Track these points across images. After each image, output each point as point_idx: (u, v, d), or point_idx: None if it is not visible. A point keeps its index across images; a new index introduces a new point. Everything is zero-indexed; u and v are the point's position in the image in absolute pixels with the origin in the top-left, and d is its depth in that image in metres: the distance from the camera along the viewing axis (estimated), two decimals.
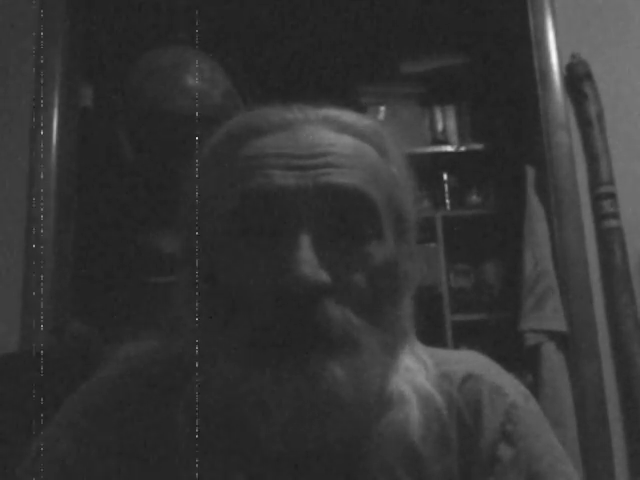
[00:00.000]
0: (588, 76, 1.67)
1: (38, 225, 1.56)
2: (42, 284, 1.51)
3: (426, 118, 2.52)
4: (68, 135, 1.67)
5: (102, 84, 1.93)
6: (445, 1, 2.27)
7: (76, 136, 1.72)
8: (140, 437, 0.55)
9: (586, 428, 1.53)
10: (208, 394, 0.51)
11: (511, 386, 0.60)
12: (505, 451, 0.56)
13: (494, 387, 0.59)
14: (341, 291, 0.49)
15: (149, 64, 1.10)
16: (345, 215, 0.51)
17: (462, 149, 2.42)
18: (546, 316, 1.63)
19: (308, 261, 0.48)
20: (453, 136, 2.49)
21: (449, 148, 2.44)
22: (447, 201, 2.50)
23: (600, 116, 1.66)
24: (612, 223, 1.59)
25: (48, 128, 1.61)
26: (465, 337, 2.32)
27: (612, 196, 1.61)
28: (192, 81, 1.10)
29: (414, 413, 0.54)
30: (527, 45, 1.75)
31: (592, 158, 1.64)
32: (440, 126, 2.51)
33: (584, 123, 1.66)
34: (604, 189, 1.61)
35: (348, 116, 0.57)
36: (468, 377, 0.59)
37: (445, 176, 2.51)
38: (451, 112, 2.52)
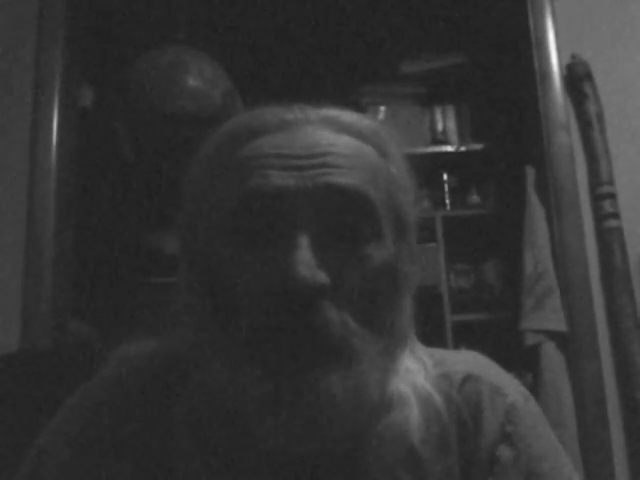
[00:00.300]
0: (588, 76, 1.67)
1: (38, 225, 1.56)
2: (42, 284, 1.51)
3: (426, 118, 2.53)
4: (68, 135, 1.66)
5: (102, 84, 1.93)
6: (445, 1, 2.27)
7: (76, 136, 1.72)
8: (139, 437, 0.55)
9: (586, 428, 1.53)
10: (206, 394, 0.51)
11: (511, 386, 0.60)
12: (505, 452, 0.56)
13: (494, 387, 0.58)
14: (339, 292, 0.49)
15: (149, 64, 1.10)
16: (344, 215, 0.51)
17: (462, 149, 2.42)
18: (546, 316, 1.63)
19: (306, 262, 0.47)
20: (453, 136, 2.49)
21: (449, 148, 2.44)
22: (447, 201, 2.50)
23: (600, 116, 1.65)
24: (612, 223, 1.59)
25: (48, 128, 1.61)
26: (465, 337, 2.32)
27: (612, 196, 1.61)
28: (192, 81, 1.09)
29: (414, 414, 0.54)
30: (527, 45, 1.75)
31: (592, 158, 1.64)
32: (440, 126, 2.51)
33: (584, 123, 1.66)
34: (604, 189, 1.61)
35: (348, 116, 0.57)
36: (468, 377, 0.59)
37: (445, 176, 2.52)
38: (451, 112, 2.53)
